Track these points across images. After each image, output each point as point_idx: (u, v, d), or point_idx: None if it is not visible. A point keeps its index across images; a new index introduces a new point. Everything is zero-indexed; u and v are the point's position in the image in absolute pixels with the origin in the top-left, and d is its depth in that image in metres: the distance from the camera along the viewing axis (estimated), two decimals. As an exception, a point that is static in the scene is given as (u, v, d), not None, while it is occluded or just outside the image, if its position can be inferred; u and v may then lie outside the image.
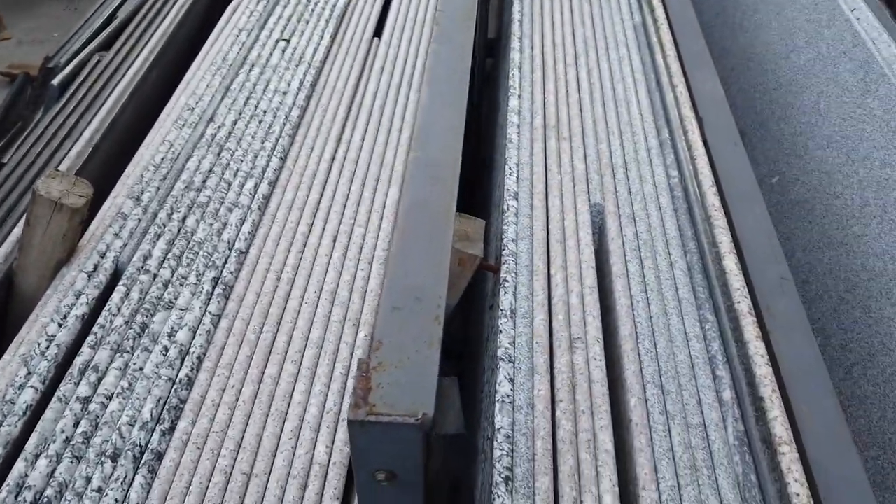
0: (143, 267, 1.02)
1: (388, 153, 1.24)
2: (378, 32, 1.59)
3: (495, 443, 0.73)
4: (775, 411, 0.76)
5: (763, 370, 0.80)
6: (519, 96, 1.21)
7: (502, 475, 0.70)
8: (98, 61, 1.64)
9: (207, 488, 0.77)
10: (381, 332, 0.56)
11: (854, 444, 0.75)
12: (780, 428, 0.74)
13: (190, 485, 0.77)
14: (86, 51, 1.72)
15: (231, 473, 0.79)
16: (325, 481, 0.78)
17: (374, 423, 0.50)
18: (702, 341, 0.83)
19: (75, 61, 1.68)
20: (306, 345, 0.93)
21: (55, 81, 1.63)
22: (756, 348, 0.82)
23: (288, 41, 1.55)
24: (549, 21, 1.41)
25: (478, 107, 1.81)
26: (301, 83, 1.40)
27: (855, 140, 1.34)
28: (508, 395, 0.77)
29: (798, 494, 0.68)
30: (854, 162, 1.33)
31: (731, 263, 0.92)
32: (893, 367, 1.10)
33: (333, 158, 1.24)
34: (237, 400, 0.87)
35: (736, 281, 0.90)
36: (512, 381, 0.78)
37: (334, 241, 1.08)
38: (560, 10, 1.44)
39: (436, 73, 0.87)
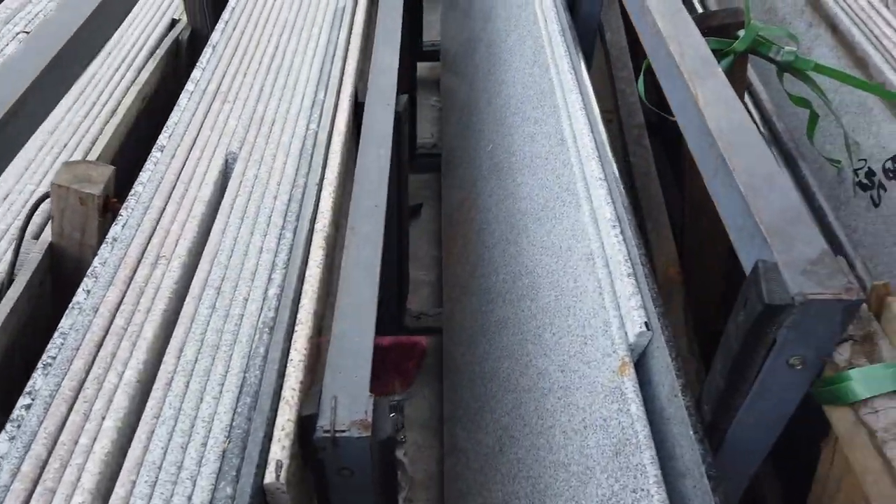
0: None
1: (86, 122, 1.35)
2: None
3: (50, 342, 0.84)
4: (306, 300, 0.90)
5: (313, 271, 0.95)
6: (203, 69, 1.34)
7: (44, 363, 0.82)
8: None
9: None
10: None
11: (372, 328, 0.90)
12: (304, 313, 0.89)
13: None
14: None
15: None
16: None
17: None
18: (272, 253, 0.97)
19: None
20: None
21: None
22: (316, 256, 0.97)
23: (28, 34, 1.64)
24: (261, 7, 1.55)
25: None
26: (23, 68, 1.49)
27: (526, 104, 1.54)
28: (79, 304, 0.89)
29: (293, 359, 0.83)
30: (524, 122, 1.52)
31: (327, 194, 1.07)
32: (524, 290, 1.28)
33: (33, 131, 1.34)
34: None
35: (325, 206, 1.05)
36: (88, 292, 0.90)
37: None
38: (275, -1, 1.59)
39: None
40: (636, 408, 0.82)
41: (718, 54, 1.19)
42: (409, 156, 2.41)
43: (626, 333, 0.90)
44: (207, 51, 1.40)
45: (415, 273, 2.07)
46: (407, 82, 2.24)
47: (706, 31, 1.19)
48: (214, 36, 1.45)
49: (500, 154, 1.64)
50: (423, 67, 2.98)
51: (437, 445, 1.63)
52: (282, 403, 0.78)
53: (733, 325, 0.71)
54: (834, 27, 1.49)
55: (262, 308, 0.89)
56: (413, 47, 2.68)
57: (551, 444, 1.01)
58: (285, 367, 0.82)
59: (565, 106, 1.32)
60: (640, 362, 0.91)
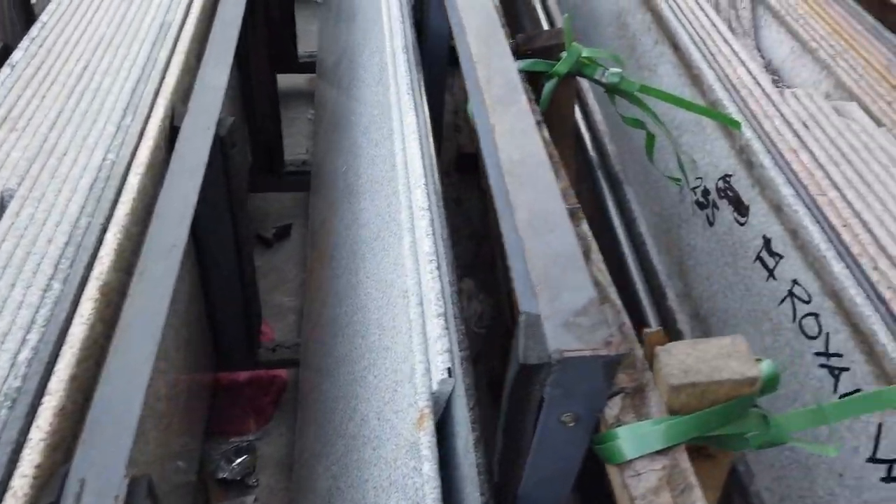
0: None
1: None
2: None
3: None
4: (62, 364, 0.79)
5: (77, 328, 0.84)
6: (-6, 92, 1.20)
7: None
8: None
9: None
10: None
11: (142, 393, 0.80)
12: (57, 381, 0.78)
13: None
14: None
15: None
16: None
17: None
18: (33, 309, 0.85)
19: None
20: None
21: None
22: (84, 310, 0.86)
23: None
24: (77, 22, 1.41)
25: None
26: None
27: (372, 125, 1.47)
28: None
29: (32, 439, 0.72)
30: (368, 144, 1.45)
31: (111, 235, 0.96)
32: (358, 325, 1.21)
33: None
34: None
35: (107, 250, 0.94)
36: None
37: None
38: (95, 11, 1.45)
39: None
40: (428, 467, 0.75)
41: (544, 76, 1.15)
42: (279, 173, 2.30)
43: (430, 380, 0.84)
44: (5, 71, 1.26)
45: (280, 298, 1.97)
46: (267, 98, 2.13)
47: (531, 53, 1.15)
48: (16, 55, 1.30)
49: (351, 176, 1.56)
50: (302, 79, 2.88)
51: (292, 488, 1.53)
52: (8, 496, 0.67)
53: (506, 382, 0.65)
54: (675, 45, 1.50)
55: (6, 377, 0.77)
56: (285, 59, 2.57)
57: (366, 502, 0.93)
58: (21, 448, 0.71)
59: (401, 129, 1.25)
60: (446, 413, 0.85)
